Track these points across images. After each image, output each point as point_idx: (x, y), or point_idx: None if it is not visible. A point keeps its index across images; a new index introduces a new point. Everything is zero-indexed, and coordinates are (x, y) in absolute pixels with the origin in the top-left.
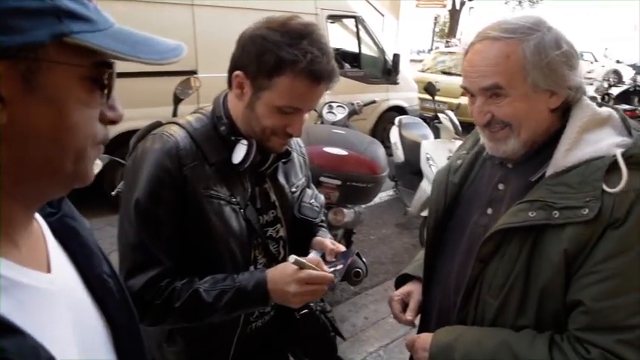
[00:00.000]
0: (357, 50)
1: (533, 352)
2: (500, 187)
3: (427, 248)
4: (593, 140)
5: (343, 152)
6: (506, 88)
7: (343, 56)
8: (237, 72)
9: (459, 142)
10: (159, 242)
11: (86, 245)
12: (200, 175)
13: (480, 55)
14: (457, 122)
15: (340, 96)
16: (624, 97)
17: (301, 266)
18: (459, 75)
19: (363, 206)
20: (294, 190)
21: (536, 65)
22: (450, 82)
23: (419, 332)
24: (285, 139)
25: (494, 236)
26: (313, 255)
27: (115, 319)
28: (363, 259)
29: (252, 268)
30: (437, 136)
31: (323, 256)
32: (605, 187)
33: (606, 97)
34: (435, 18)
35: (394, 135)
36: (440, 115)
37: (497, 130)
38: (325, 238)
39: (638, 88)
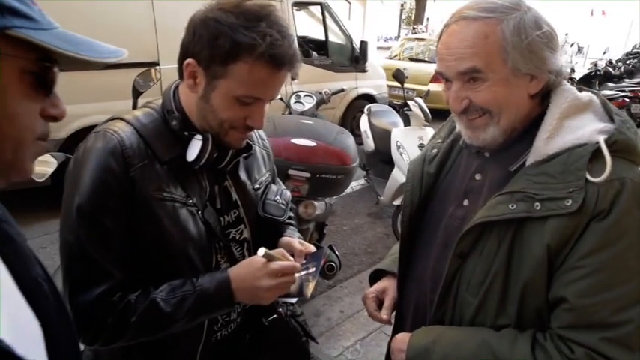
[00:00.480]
0: (323, 38)
1: (515, 353)
2: (478, 177)
3: (402, 242)
4: (574, 127)
5: (311, 143)
6: (485, 72)
7: (310, 44)
8: (189, 60)
9: (429, 130)
10: (107, 253)
11: (21, 250)
12: (150, 176)
13: (457, 36)
14: (427, 109)
15: (308, 85)
16: (586, 80)
17: (270, 258)
18: (427, 62)
19: (335, 197)
20: (257, 187)
21: (516, 46)
22: (418, 68)
23: (394, 331)
24: (245, 132)
25: (472, 230)
26: None
27: (49, 322)
28: (337, 252)
29: None
30: (407, 123)
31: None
32: (588, 177)
33: (569, 80)
34: (402, 5)
35: (364, 123)
36: (409, 102)
37: (475, 117)
38: (293, 238)
39: (599, 72)
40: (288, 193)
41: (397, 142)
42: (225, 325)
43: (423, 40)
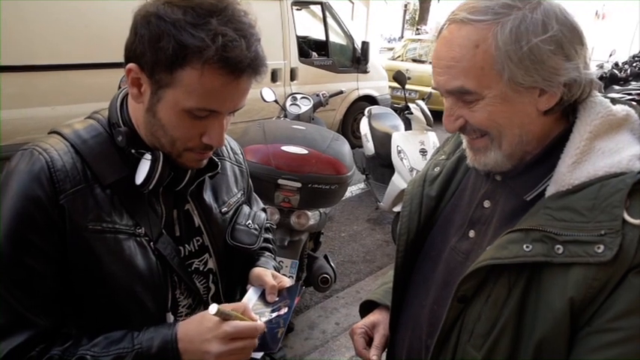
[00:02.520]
0: (324, 38)
1: None
2: (486, 204)
3: (396, 274)
4: (608, 150)
5: (303, 151)
6: (478, 91)
7: (310, 45)
8: (130, 65)
9: (431, 134)
10: (28, 299)
11: None
12: (85, 204)
13: (445, 45)
14: (428, 113)
15: (308, 86)
16: None
17: (225, 317)
18: (431, 63)
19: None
20: (224, 210)
21: (512, 56)
22: (421, 70)
23: None
24: (204, 152)
25: (477, 273)
26: (251, 292)
27: None
28: (332, 264)
29: (170, 315)
30: (408, 127)
31: (263, 294)
32: (627, 217)
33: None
34: (405, 6)
35: (364, 126)
36: (410, 105)
37: (474, 137)
38: (267, 270)
39: (605, 75)
40: (263, 215)
41: (397, 146)
42: None
43: (425, 40)
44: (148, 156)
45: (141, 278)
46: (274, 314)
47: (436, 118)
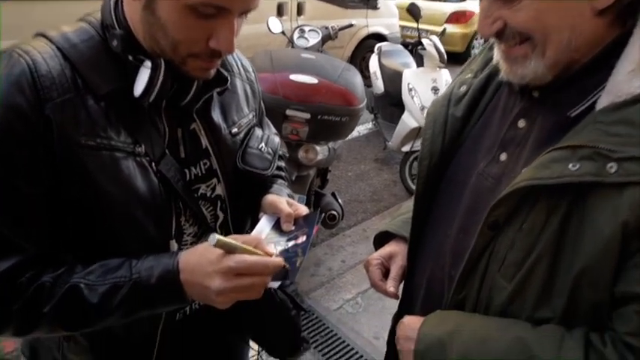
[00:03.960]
0: None
1: (561, 359)
2: (521, 124)
3: (416, 203)
4: None
5: (313, 80)
6: None
7: None
8: None
9: (444, 71)
10: (14, 222)
11: None
12: (76, 116)
13: None
14: (442, 49)
15: (316, 21)
16: None
17: (229, 250)
18: (443, 0)
19: (339, 141)
20: (235, 131)
21: None
22: (433, 8)
23: (401, 308)
24: (211, 60)
25: (512, 196)
26: (265, 221)
27: None
28: (339, 200)
29: (173, 243)
30: (420, 64)
31: (278, 222)
32: None
33: None
34: None
35: (373, 64)
36: (424, 40)
37: (512, 45)
38: (281, 197)
39: None
40: (277, 140)
41: (408, 83)
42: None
43: None
44: (148, 63)
45: (141, 202)
46: (291, 243)
47: (449, 57)
